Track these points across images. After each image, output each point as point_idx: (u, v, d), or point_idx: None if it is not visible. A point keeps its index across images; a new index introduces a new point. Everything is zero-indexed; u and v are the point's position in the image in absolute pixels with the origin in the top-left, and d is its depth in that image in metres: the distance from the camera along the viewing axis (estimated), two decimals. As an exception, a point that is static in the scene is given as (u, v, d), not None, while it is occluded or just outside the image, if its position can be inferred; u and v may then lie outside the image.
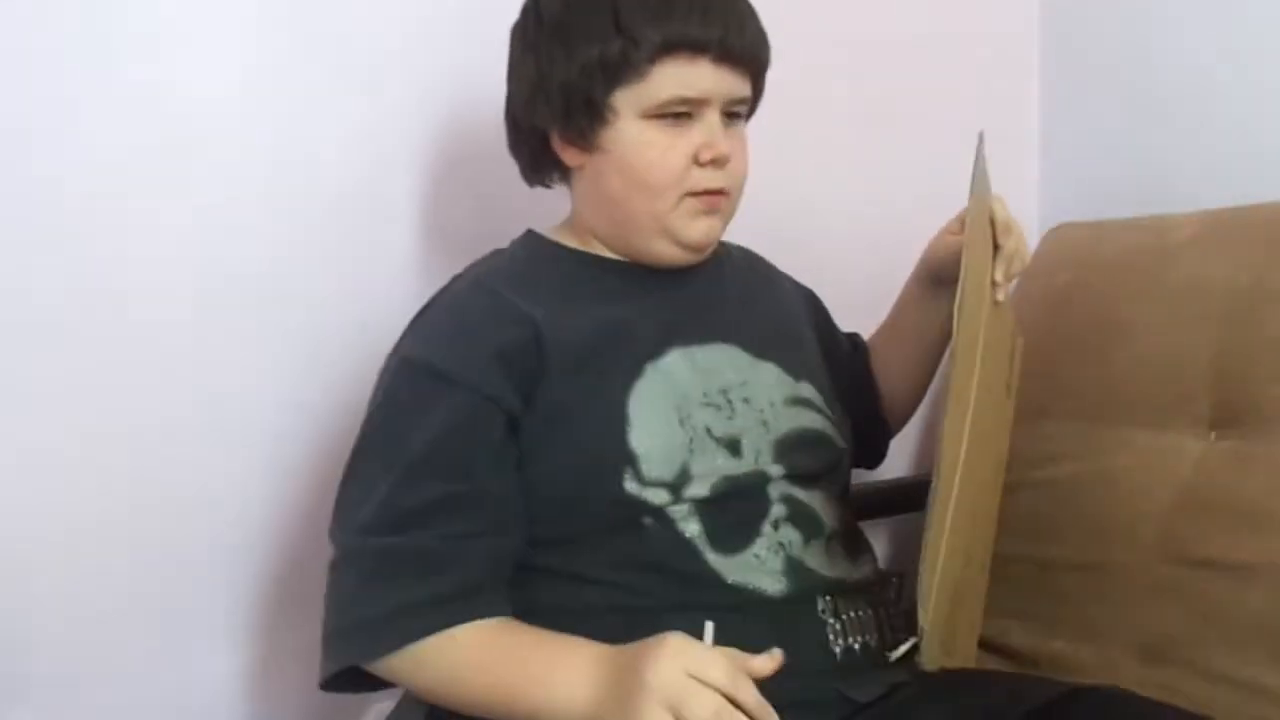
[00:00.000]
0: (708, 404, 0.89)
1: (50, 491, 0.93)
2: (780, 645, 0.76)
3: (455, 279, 0.94)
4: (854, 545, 0.94)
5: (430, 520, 0.82)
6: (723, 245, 0.99)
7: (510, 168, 0.95)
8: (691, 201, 0.89)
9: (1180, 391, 1.07)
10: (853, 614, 0.87)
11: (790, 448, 0.91)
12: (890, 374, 1.10)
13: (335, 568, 0.84)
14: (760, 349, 0.94)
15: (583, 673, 0.75)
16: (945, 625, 0.86)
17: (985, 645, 1.07)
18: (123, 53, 0.94)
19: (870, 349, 1.13)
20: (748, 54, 0.89)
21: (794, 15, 1.21)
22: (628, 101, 0.87)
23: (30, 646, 0.93)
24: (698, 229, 0.90)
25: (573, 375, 0.86)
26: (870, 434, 1.09)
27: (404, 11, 1.07)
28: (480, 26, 0.97)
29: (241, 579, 1.03)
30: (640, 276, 0.94)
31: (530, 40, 0.90)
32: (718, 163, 0.88)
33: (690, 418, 0.88)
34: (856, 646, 0.86)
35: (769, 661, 0.72)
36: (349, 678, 0.82)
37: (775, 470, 0.89)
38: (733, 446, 0.88)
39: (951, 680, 0.86)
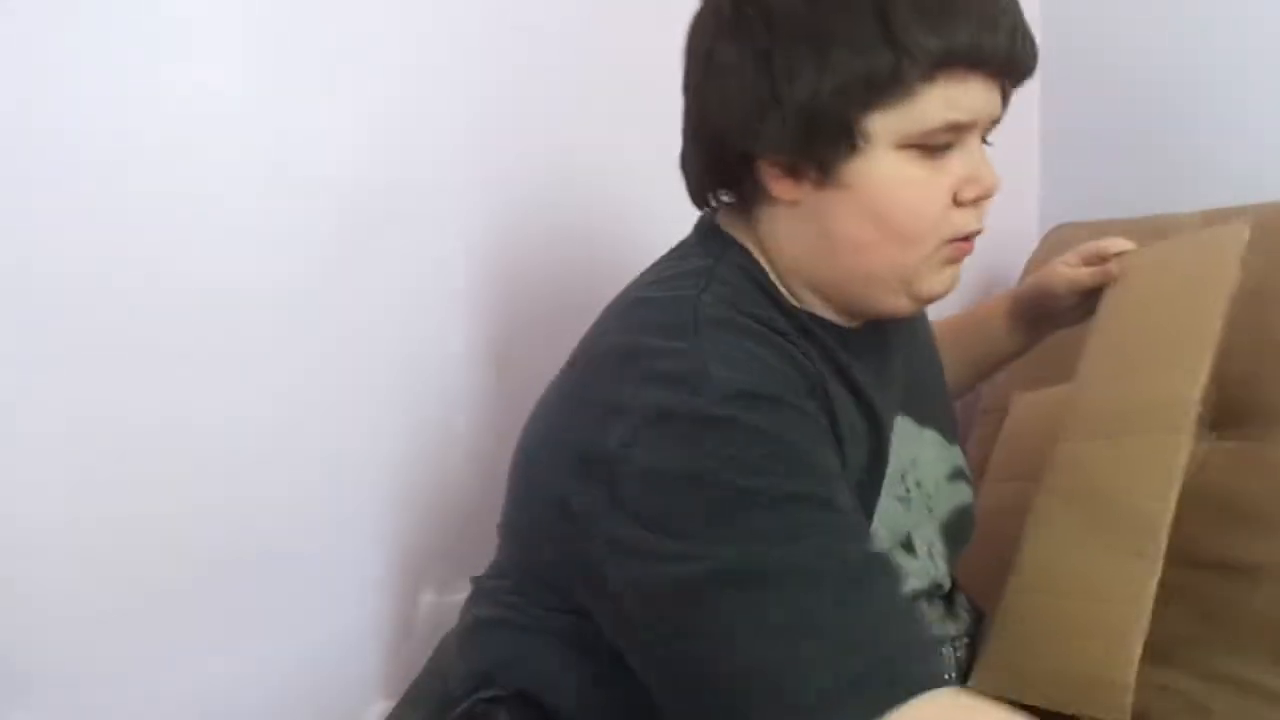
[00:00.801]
0: (895, 497, 0.78)
1: (50, 492, 0.93)
2: None
3: (711, 314, 0.71)
4: (954, 593, 0.87)
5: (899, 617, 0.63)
6: None
7: (513, 168, 0.94)
8: (948, 250, 0.73)
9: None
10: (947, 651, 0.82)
11: (952, 533, 0.83)
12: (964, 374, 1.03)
13: None
14: (921, 414, 0.83)
15: None
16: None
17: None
18: (122, 52, 0.94)
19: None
20: (1029, 66, 0.73)
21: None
22: (887, 126, 0.69)
23: (30, 647, 0.93)
24: (945, 280, 0.75)
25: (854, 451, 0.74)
26: None
27: (405, 12, 1.07)
28: (480, 28, 0.96)
29: (242, 580, 1.03)
30: (858, 346, 0.77)
31: (759, 45, 0.70)
32: (984, 198, 0.73)
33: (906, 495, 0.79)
34: None
35: None
36: None
37: (944, 569, 0.81)
38: (907, 545, 0.79)
39: None
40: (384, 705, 1.03)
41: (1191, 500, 1.03)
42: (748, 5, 0.71)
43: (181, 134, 0.96)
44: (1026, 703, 0.78)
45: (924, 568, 0.79)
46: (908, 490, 0.79)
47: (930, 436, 0.84)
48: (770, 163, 0.72)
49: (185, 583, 1.00)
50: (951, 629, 0.84)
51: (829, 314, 0.77)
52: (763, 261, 0.77)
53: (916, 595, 0.78)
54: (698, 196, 0.80)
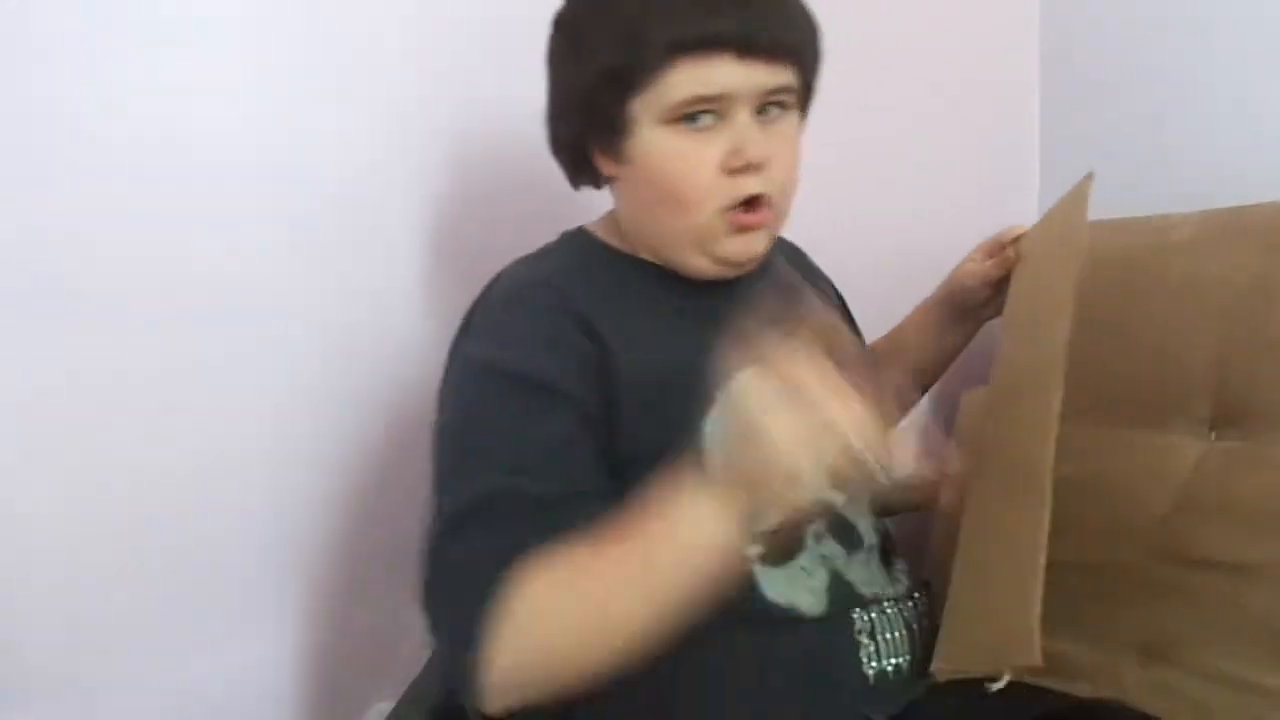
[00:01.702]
0: None
1: (51, 493, 0.93)
2: (813, 667, 0.75)
3: (502, 277, 0.86)
4: (890, 557, 0.91)
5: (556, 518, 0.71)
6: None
7: (513, 172, 0.95)
8: (724, 220, 0.81)
9: (1180, 392, 1.07)
10: (889, 635, 0.84)
11: None
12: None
13: (445, 536, 0.73)
14: None
15: (691, 499, 0.66)
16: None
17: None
18: (122, 52, 0.94)
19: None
20: (779, 43, 0.79)
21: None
22: (644, 109, 0.80)
23: (27, 647, 0.93)
24: (736, 246, 0.83)
25: (644, 415, 0.79)
26: None
27: (404, 12, 1.07)
28: (483, 28, 0.97)
29: (241, 581, 1.03)
30: (698, 291, 0.86)
31: (552, 52, 0.85)
32: (752, 168, 0.79)
33: None
34: (890, 669, 0.83)
35: None
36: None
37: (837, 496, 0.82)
38: None
39: (961, 689, 0.83)
40: (384, 705, 1.03)
41: (1191, 500, 1.03)
42: (554, 22, 0.84)
43: (181, 133, 0.97)
44: (979, 675, 0.82)
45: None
46: None
47: None
48: (592, 146, 0.84)
49: (185, 584, 1.00)
50: (890, 590, 0.87)
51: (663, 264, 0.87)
52: (604, 235, 0.90)
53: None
54: (571, 181, 0.90)
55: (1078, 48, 1.44)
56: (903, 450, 0.65)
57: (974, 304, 1.01)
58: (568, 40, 0.83)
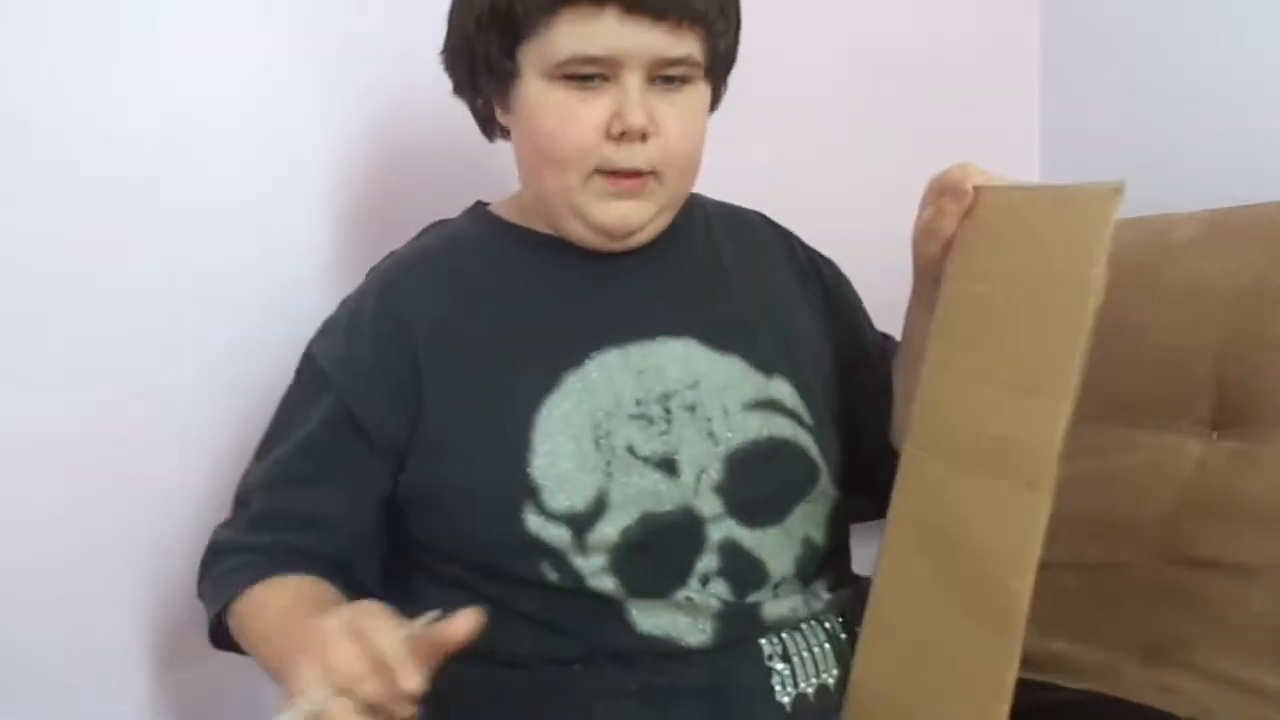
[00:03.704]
0: (637, 416, 0.77)
1: (50, 493, 0.93)
2: (716, 699, 0.72)
3: (392, 254, 0.88)
4: (817, 574, 0.82)
5: (272, 528, 0.80)
6: (701, 211, 0.88)
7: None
8: (601, 181, 0.77)
9: (1182, 392, 1.07)
10: (806, 653, 0.77)
11: (744, 465, 0.78)
12: (901, 395, 0.88)
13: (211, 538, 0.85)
14: (722, 340, 0.81)
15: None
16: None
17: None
18: (120, 52, 0.94)
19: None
20: (674, 6, 0.73)
21: (791, 15, 1.21)
22: (530, 58, 0.76)
23: (25, 647, 0.93)
24: (612, 213, 0.78)
25: (465, 396, 0.77)
26: (875, 450, 0.86)
27: (404, 12, 1.07)
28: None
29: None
30: (579, 260, 0.82)
31: None
32: (630, 136, 0.75)
33: (610, 435, 0.76)
34: (811, 691, 0.76)
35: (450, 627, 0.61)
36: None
37: (712, 506, 0.76)
38: (667, 465, 0.76)
39: None
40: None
41: (1191, 500, 1.03)
42: None
43: (181, 133, 0.96)
44: None
45: (681, 494, 0.76)
46: (666, 411, 0.77)
47: (730, 363, 0.80)
48: (486, 91, 0.81)
49: (185, 584, 1.00)
50: (804, 610, 0.78)
51: (550, 232, 0.84)
52: (504, 208, 0.88)
53: (649, 518, 0.75)
54: (484, 132, 0.86)
55: (1078, 46, 1.44)
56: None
57: (934, 259, 0.78)
58: None
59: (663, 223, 0.83)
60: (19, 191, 0.90)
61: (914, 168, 1.31)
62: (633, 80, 0.74)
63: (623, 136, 0.75)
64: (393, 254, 0.89)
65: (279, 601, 0.76)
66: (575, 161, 0.76)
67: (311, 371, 0.83)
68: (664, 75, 0.76)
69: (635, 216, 0.79)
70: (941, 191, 0.76)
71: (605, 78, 0.75)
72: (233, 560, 0.81)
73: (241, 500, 0.85)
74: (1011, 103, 1.47)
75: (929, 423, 0.75)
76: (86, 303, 0.93)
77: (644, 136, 0.75)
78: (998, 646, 0.66)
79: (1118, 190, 0.70)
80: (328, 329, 0.85)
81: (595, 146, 0.76)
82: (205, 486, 0.99)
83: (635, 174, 0.76)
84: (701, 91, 0.79)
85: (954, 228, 0.75)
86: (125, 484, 0.96)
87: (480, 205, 0.90)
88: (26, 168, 0.90)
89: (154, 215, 0.96)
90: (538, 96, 0.76)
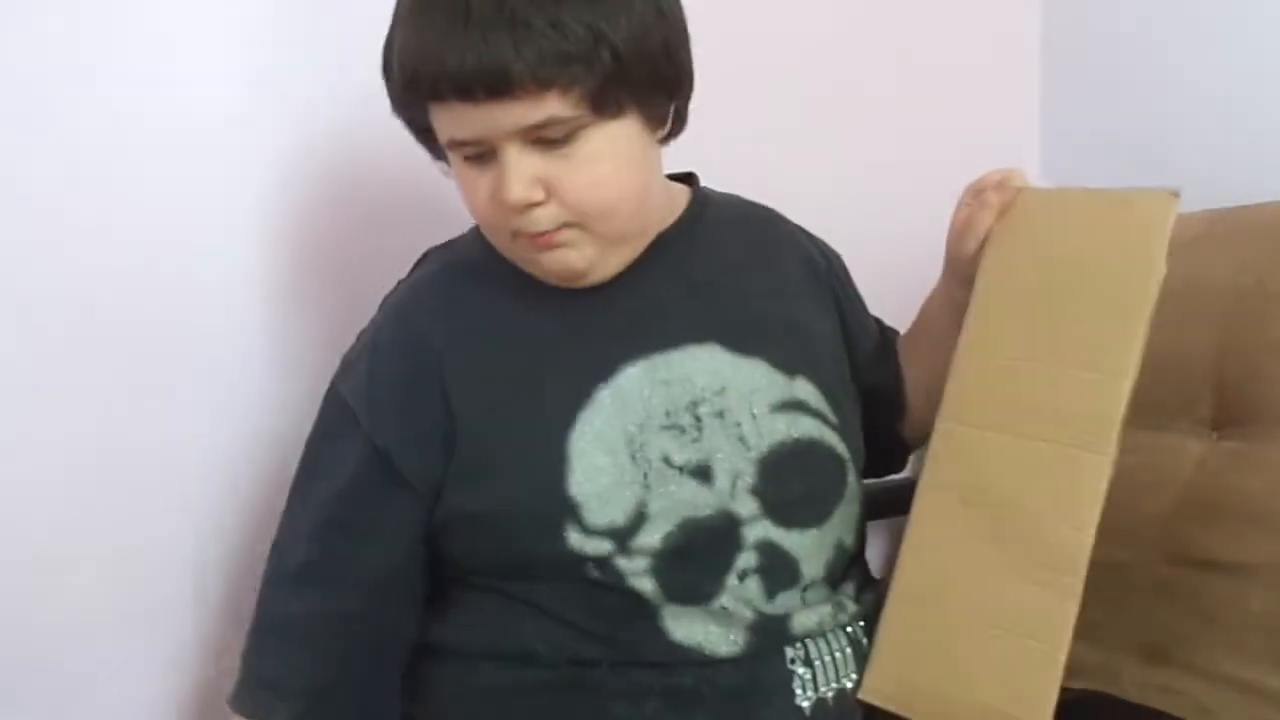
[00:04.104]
0: (669, 426, 0.78)
1: (45, 493, 0.93)
2: (737, 702, 0.73)
3: (400, 283, 0.88)
4: (844, 577, 0.84)
5: (320, 584, 0.80)
6: (712, 209, 0.88)
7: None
8: (524, 240, 0.76)
9: (1182, 392, 1.07)
10: (828, 657, 0.79)
11: (777, 466, 0.79)
12: (917, 388, 0.94)
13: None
14: (744, 344, 0.82)
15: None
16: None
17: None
18: (119, 51, 0.94)
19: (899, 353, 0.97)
20: (502, 80, 0.69)
21: (791, 15, 1.21)
22: (436, 128, 0.76)
23: (22, 647, 0.93)
24: (550, 264, 0.78)
25: (496, 418, 0.77)
26: (882, 444, 0.94)
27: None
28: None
29: (241, 583, 1.03)
30: (569, 294, 0.81)
31: None
32: (515, 209, 0.73)
33: (645, 447, 0.77)
34: (830, 695, 0.78)
35: None
36: None
37: (749, 508, 0.78)
38: (702, 473, 0.77)
39: None
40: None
41: (1191, 500, 1.03)
42: None
43: (180, 133, 0.96)
44: (914, 718, 0.76)
45: (718, 500, 0.77)
46: (698, 419, 0.78)
47: (754, 366, 0.81)
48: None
49: (184, 584, 1.00)
50: (830, 619, 0.80)
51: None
52: None
53: (689, 524, 0.76)
54: None
55: (1078, 47, 1.44)
56: None
57: (968, 257, 0.83)
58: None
59: (623, 256, 0.81)
60: (18, 191, 0.90)
61: (914, 167, 1.33)
62: (508, 153, 0.72)
63: (512, 209, 0.74)
64: (402, 283, 0.88)
65: None
66: (493, 232, 0.78)
67: (340, 412, 0.81)
68: (541, 139, 0.73)
69: (572, 262, 0.78)
70: (984, 188, 0.81)
71: (490, 152, 0.73)
72: (279, 644, 0.81)
73: (284, 547, 0.83)
74: (1011, 103, 1.47)
75: (970, 398, 0.79)
76: (86, 302, 0.93)
77: (535, 204, 0.74)
78: (1056, 602, 0.70)
79: (1175, 195, 0.78)
80: (348, 366, 0.83)
81: (500, 216, 0.75)
82: (201, 485, 1.00)
83: (545, 233, 0.75)
84: (606, 131, 0.74)
85: (992, 222, 0.80)
86: (125, 483, 0.96)
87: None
88: (27, 167, 0.90)
89: (155, 213, 0.96)
90: (454, 166, 0.77)
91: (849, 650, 0.80)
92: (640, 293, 0.82)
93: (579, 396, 0.77)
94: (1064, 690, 0.81)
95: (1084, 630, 1.04)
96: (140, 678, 0.99)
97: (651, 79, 0.75)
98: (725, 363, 0.81)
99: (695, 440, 0.78)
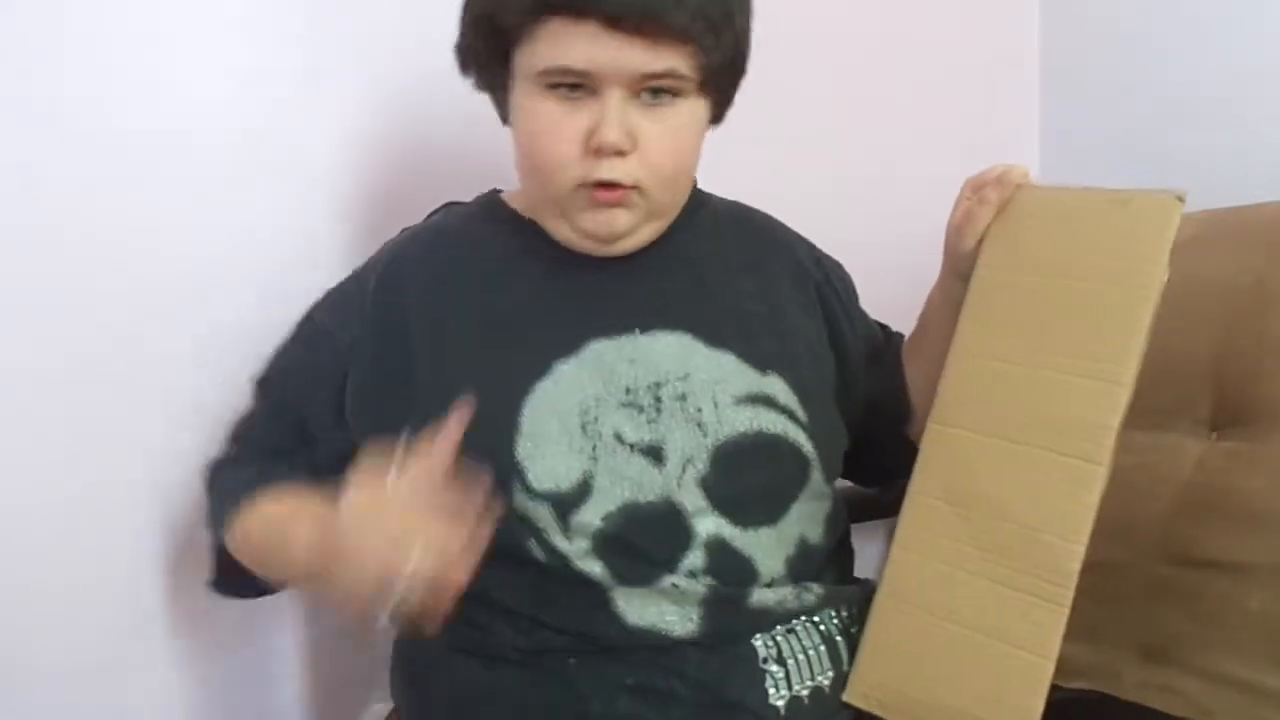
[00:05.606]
0: (627, 404, 0.78)
1: (46, 492, 0.93)
2: (710, 701, 0.73)
3: (405, 229, 0.92)
4: (816, 575, 0.82)
5: (265, 449, 0.86)
6: (708, 210, 0.90)
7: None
8: (583, 193, 0.77)
9: (1181, 392, 1.07)
10: (801, 655, 0.78)
11: (732, 458, 0.78)
12: (920, 388, 0.92)
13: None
14: (718, 336, 0.82)
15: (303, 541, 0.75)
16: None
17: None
18: (118, 51, 0.94)
19: (903, 354, 0.96)
20: (658, 21, 0.71)
21: (790, 15, 1.21)
22: (519, 65, 0.77)
23: (21, 646, 0.93)
24: (596, 221, 0.79)
25: (456, 377, 0.78)
26: (890, 450, 0.91)
27: (403, 11, 1.07)
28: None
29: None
30: (579, 255, 0.83)
31: None
32: (603, 151, 0.75)
33: (598, 421, 0.77)
34: (805, 693, 0.77)
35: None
36: (236, 584, 0.87)
37: (695, 501, 0.77)
38: (653, 453, 0.78)
39: None
40: (383, 706, 1.03)
41: (1190, 500, 1.03)
42: None
43: (179, 132, 0.96)
44: None
45: (664, 484, 0.77)
46: (658, 400, 0.79)
47: (724, 358, 0.81)
48: (489, 92, 0.83)
49: (184, 584, 1.00)
50: (796, 604, 0.79)
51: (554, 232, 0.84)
52: (514, 198, 0.89)
53: (631, 507, 0.76)
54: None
55: (1078, 47, 1.44)
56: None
57: (966, 254, 0.82)
58: None
59: (651, 231, 0.83)
60: (19, 190, 0.90)
61: (914, 167, 1.33)
62: (613, 95, 0.74)
63: (600, 151, 0.75)
64: (406, 229, 0.92)
65: (279, 509, 0.80)
66: (557, 174, 0.78)
67: (305, 324, 0.88)
68: (649, 89, 0.76)
69: (619, 224, 0.80)
70: (983, 184, 0.80)
71: (588, 89, 0.75)
72: (229, 479, 0.86)
73: (238, 435, 0.89)
74: (1011, 103, 1.47)
75: (962, 401, 0.78)
76: (86, 301, 0.93)
77: (621, 153, 0.76)
78: (1044, 611, 0.70)
79: (1180, 198, 0.75)
80: (331, 293, 0.89)
81: (575, 159, 0.76)
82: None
83: (615, 186, 0.77)
84: (693, 106, 0.78)
85: (990, 218, 0.80)
86: (125, 482, 0.96)
87: (495, 193, 0.92)
88: (27, 166, 0.90)
89: (154, 212, 0.96)
90: (526, 103, 0.77)
91: (822, 648, 0.79)
92: (625, 279, 0.83)
93: (539, 366, 0.78)
94: (1063, 690, 0.81)
95: (1083, 630, 1.04)
96: (140, 677, 0.99)
97: (735, 72, 0.81)
98: (695, 351, 0.82)
99: (652, 421, 0.78)
